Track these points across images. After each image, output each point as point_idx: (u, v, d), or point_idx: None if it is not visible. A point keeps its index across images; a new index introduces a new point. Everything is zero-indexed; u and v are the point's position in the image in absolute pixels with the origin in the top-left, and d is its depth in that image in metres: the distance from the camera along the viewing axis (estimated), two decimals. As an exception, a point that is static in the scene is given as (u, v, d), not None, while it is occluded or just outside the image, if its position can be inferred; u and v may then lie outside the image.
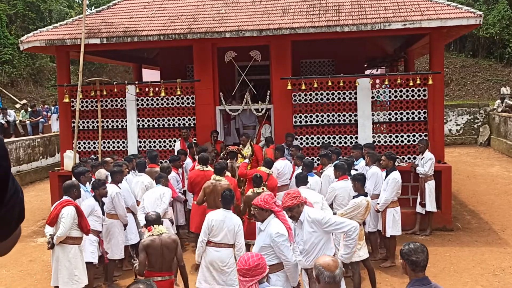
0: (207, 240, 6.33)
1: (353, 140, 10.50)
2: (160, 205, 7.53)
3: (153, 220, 5.85)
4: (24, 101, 20.80)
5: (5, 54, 24.74)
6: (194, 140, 10.88)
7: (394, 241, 8.30)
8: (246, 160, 9.26)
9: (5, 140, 15.13)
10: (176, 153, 10.34)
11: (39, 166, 17.25)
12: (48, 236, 6.60)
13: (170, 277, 5.78)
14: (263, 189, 7.69)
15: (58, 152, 17.12)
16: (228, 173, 8.56)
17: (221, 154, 10.04)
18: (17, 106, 20.16)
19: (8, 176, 1.05)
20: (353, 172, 8.38)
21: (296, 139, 10.57)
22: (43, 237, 10.05)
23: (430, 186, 9.68)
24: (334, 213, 7.47)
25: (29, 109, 18.57)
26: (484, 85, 28.39)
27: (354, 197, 7.05)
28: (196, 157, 10.06)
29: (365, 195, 6.93)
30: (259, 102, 11.14)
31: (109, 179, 8.00)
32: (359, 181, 6.99)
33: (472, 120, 22.32)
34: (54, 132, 18.83)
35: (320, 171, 9.20)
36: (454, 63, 29.83)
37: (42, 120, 18.43)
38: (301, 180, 7.38)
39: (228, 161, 9.42)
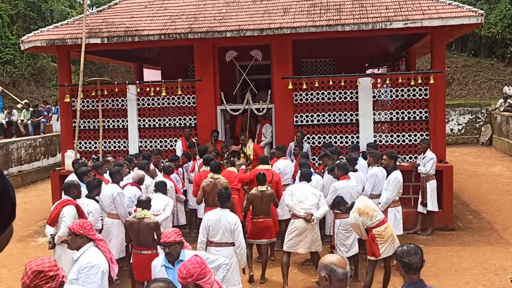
0: (209, 241, 6.32)
1: (354, 140, 10.48)
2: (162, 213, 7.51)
3: (141, 202, 6.53)
4: (26, 101, 20.80)
5: (6, 54, 24.75)
6: (195, 139, 10.87)
7: (395, 240, 8.27)
8: (243, 166, 9.28)
9: (7, 140, 15.11)
10: (177, 152, 10.33)
11: (40, 166, 17.26)
12: (49, 236, 6.60)
13: (152, 252, 6.41)
14: (267, 187, 7.72)
15: (59, 152, 17.13)
16: (235, 169, 8.62)
17: (225, 155, 10.06)
18: (19, 106, 20.16)
19: None
20: (352, 173, 8.39)
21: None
22: (44, 237, 10.04)
23: (431, 186, 9.66)
24: (338, 213, 7.49)
25: (31, 109, 18.58)
26: (486, 84, 28.32)
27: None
28: (197, 156, 10.05)
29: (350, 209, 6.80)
30: (260, 101, 11.12)
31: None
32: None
33: (474, 120, 22.28)
34: (55, 132, 18.84)
35: (322, 170, 9.20)
36: (456, 63, 29.76)
37: (43, 120, 18.44)
38: (305, 177, 7.49)
39: (230, 159, 9.45)
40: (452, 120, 22.24)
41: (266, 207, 7.68)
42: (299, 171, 7.98)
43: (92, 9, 18.62)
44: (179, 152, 10.54)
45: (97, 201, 7.28)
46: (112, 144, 11.40)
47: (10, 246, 8.50)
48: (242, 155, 10.10)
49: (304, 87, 10.44)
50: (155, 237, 6.41)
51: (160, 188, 7.75)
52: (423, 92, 10.29)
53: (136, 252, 6.50)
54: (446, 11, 9.78)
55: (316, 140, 10.67)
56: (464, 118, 22.33)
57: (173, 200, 8.75)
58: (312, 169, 8.76)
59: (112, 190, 7.56)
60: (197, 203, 8.37)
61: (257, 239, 7.74)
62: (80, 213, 6.50)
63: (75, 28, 11.35)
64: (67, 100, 11.13)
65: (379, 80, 10.63)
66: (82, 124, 11.33)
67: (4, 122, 17.85)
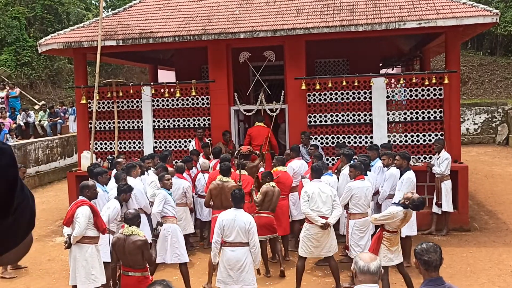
0: (223, 241, 6.37)
1: (368, 140, 10.46)
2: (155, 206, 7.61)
3: (129, 219, 5.92)
4: (43, 102, 21.09)
5: (24, 56, 25.10)
6: (209, 140, 10.95)
7: (409, 241, 8.24)
8: (262, 169, 9.31)
9: (25, 141, 15.30)
10: (190, 153, 10.41)
11: (57, 166, 17.48)
12: (66, 236, 6.72)
13: (142, 274, 5.82)
14: (274, 186, 7.88)
15: (76, 152, 17.32)
16: (244, 172, 8.63)
17: (234, 154, 10.08)
18: (36, 107, 20.46)
19: (16, 185, 1.03)
20: (368, 173, 8.37)
21: (311, 138, 10.56)
22: (61, 236, 10.19)
23: (446, 186, 9.60)
24: (352, 213, 7.50)
25: (47, 110, 18.85)
26: (502, 83, 27.95)
27: (394, 203, 6.89)
28: (211, 156, 10.12)
29: (405, 206, 6.52)
30: (273, 102, 11.16)
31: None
32: None
33: (490, 119, 22.03)
34: (71, 133, 19.07)
35: (335, 170, 9.21)
36: (472, 61, 29.42)
37: (60, 121, 18.69)
38: (316, 172, 7.47)
39: (241, 161, 9.47)
40: (468, 119, 22.02)
41: (275, 204, 7.80)
42: (311, 168, 7.98)
43: (108, 12, 18.81)
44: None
45: (121, 205, 7.38)
46: (127, 145, 11.53)
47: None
48: (256, 154, 10.09)
49: (318, 87, 10.45)
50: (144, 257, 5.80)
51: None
52: (437, 92, 10.23)
53: (124, 274, 5.89)
54: (460, 11, 9.71)
55: (330, 141, 10.67)
56: (480, 117, 22.10)
57: (189, 201, 8.88)
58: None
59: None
60: (205, 206, 8.38)
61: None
62: (95, 213, 6.59)
63: (91, 30, 11.50)
64: (83, 101, 11.29)
65: (393, 80, 10.59)
66: (98, 125, 11.47)
67: (22, 123, 18.12)
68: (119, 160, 9.64)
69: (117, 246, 5.83)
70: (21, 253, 1.17)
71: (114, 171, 9.15)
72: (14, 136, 17.02)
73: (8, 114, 18.16)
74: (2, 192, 0.99)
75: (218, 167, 8.94)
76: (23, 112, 18.54)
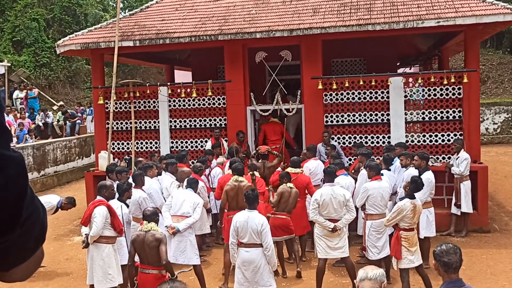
0: (239, 242, 6.36)
1: (386, 140, 10.36)
2: (192, 214, 7.48)
3: (147, 216, 6.06)
4: (61, 102, 21.35)
5: (43, 57, 25.42)
6: (225, 140, 10.95)
7: (428, 242, 8.14)
8: (279, 168, 9.25)
9: (43, 141, 15.46)
10: (205, 153, 10.42)
11: (75, 166, 17.67)
12: (84, 235, 6.77)
13: (160, 272, 5.90)
14: (291, 187, 7.80)
15: (93, 152, 17.50)
16: (257, 173, 8.55)
17: (253, 153, 10.05)
18: (54, 108, 20.71)
19: (25, 196, 0.97)
20: (385, 171, 8.28)
21: (328, 139, 10.49)
22: (79, 236, 10.28)
23: (465, 187, 9.46)
24: (369, 214, 7.43)
25: (62, 115, 19.06)
26: (522, 82, 27.49)
27: (400, 199, 6.89)
28: (221, 157, 10.14)
29: (411, 197, 6.60)
30: (290, 102, 11.11)
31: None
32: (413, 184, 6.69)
33: (510, 119, 21.68)
34: (89, 133, 19.27)
35: (352, 171, 9.14)
36: (491, 60, 28.98)
37: (78, 121, 18.90)
38: (329, 175, 7.36)
39: (259, 161, 9.43)
40: (487, 119, 21.71)
41: (292, 205, 7.73)
42: (323, 170, 7.89)
43: (125, 13, 18.94)
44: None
45: (127, 205, 7.35)
46: (144, 145, 11.59)
47: (47, 245, 8.73)
48: (272, 154, 10.05)
49: (334, 87, 10.38)
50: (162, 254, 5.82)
51: (192, 184, 7.75)
52: (456, 91, 10.09)
53: (142, 271, 6.00)
54: (480, 9, 9.56)
55: (347, 141, 10.60)
56: (499, 117, 21.76)
57: (205, 200, 8.83)
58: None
59: (137, 195, 7.61)
60: (220, 208, 8.28)
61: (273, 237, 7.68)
62: (112, 214, 6.61)
63: (108, 31, 11.58)
64: (101, 102, 11.38)
65: (410, 79, 10.48)
66: (115, 125, 11.54)
67: (40, 124, 18.36)
68: (140, 159, 9.74)
69: (137, 242, 5.93)
70: (30, 269, 1.09)
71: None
72: (33, 136, 17.26)
73: (27, 114, 18.43)
74: (10, 203, 0.94)
75: (227, 169, 8.93)
76: (42, 113, 18.79)
